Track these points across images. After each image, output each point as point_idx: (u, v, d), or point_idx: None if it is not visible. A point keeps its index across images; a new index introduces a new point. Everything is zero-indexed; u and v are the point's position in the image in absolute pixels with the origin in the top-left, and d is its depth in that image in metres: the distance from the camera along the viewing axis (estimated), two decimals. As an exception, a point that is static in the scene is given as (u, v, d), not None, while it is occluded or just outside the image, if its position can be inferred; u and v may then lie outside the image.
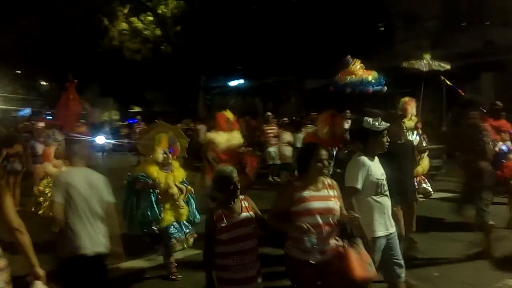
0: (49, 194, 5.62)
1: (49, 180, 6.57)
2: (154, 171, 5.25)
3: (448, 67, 9.98)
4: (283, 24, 20.57)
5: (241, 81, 26.45)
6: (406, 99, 7.52)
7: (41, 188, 6.85)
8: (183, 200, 5.39)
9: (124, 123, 26.61)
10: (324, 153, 3.41)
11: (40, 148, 9.05)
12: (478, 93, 16.91)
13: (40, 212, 6.60)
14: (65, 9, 21.28)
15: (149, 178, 5.18)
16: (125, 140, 19.62)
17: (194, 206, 5.59)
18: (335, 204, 3.39)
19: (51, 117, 22.91)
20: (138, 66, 22.94)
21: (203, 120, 20.58)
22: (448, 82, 10.99)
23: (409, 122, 6.71)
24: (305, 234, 3.19)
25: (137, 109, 31.55)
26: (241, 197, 3.50)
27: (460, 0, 18.23)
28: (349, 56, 7.79)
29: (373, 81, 7.53)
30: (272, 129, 12.90)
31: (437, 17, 18.46)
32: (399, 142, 4.95)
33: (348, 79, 7.39)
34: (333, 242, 3.37)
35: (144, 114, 23.25)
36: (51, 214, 4.87)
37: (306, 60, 20.46)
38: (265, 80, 23.37)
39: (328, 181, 3.49)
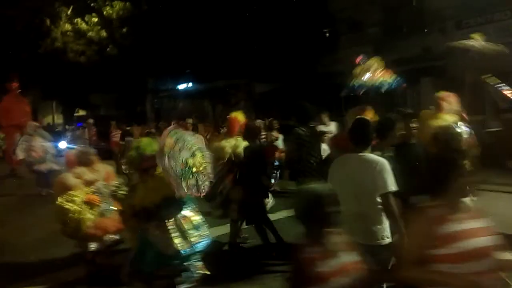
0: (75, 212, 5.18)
1: (71, 194, 5.30)
2: None
3: (504, 49, 8.69)
4: (232, 27, 20.67)
5: (190, 84, 26.31)
6: (442, 94, 6.88)
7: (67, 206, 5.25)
8: None
9: (71, 126, 25.51)
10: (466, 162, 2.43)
11: None
12: (419, 96, 17.72)
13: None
14: (3, 9, 20.40)
15: None
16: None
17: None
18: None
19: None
20: (82, 68, 22.32)
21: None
22: (493, 81, 10.20)
23: (449, 117, 6.21)
24: None
25: (82, 112, 30.65)
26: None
27: (400, 8, 19.00)
28: (362, 56, 7.60)
29: (390, 81, 7.57)
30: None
31: (379, 24, 19.18)
32: (410, 142, 4.68)
33: (365, 79, 7.41)
34: None
35: (90, 117, 22.60)
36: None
37: (255, 64, 20.68)
38: (214, 84, 23.37)
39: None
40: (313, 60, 20.58)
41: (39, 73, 22.53)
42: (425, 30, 17.76)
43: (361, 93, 7.33)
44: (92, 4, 22.37)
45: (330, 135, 9.90)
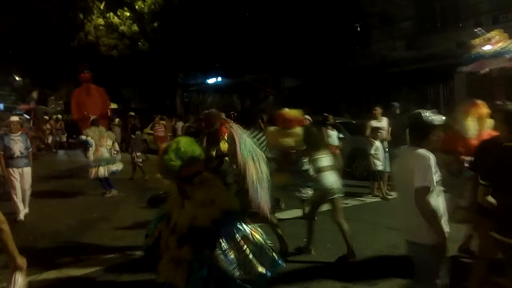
0: None
1: None
2: None
3: None
4: (261, 22, 20.62)
5: (219, 78, 26.40)
6: None
7: None
8: None
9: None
10: None
11: (16, 147, 7.99)
12: (452, 92, 17.31)
13: None
14: (39, 3, 20.93)
15: None
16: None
17: None
18: None
19: (25, 114, 22.49)
20: (114, 62, 22.69)
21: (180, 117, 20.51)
22: None
23: None
24: None
25: (113, 105, 31.15)
26: None
27: (434, 2, 18.56)
28: (479, 28, 7.44)
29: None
30: None
31: (411, 19, 18.78)
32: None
33: (485, 49, 7.19)
34: None
35: (120, 110, 22.99)
36: None
37: (284, 59, 20.57)
38: (242, 78, 23.38)
39: None
40: (344, 54, 20.34)
41: (72, 66, 23.01)
42: (460, 25, 17.29)
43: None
44: (124, -1, 22.70)
45: (382, 131, 9.76)
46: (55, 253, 6.23)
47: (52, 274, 5.40)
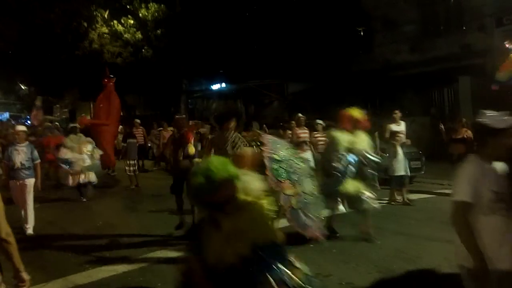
0: None
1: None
2: None
3: None
4: (264, 28, 20.68)
5: (223, 84, 26.46)
6: None
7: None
8: None
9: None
10: None
11: (18, 159, 7.52)
12: (456, 96, 17.27)
13: None
14: (43, 13, 21.06)
15: None
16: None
17: None
18: None
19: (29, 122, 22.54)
20: (119, 70, 22.77)
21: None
22: None
23: None
24: None
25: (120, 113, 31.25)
26: None
27: (437, 5, 18.55)
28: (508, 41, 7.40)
29: None
30: (305, 133, 10.79)
31: (415, 22, 18.77)
32: None
33: None
34: None
35: (125, 118, 23.04)
36: None
37: (288, 64, 20.61)
38: (246, 84, 23.43)
39: None
40: (347, 58, 20.35)
41: (77, 74, 23.11)
42: (464, 28, 17.27)
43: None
44: (128, 6, 22.79)
45: (402, 135, 9.58)
46: (61, 262, 6.23)
47: (58, 283, 5.39)
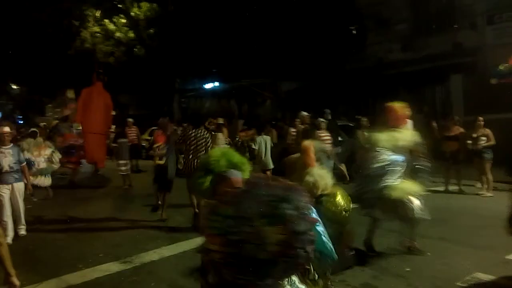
0: None
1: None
2: None
3: None
4: (257, 27, 20.68)
5: (216, 83, 26.44)
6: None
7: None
8: None
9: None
10: None
11: (5, 162, 7.08)
12: (448, 94, 17.38)
13: None
14: (34, 12, 20.95)
15: None
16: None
17: None
18: None
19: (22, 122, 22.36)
20: (111, 69, 22.70)
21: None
22: None
23: None
24: None
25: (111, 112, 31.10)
26: None
27: (429, 4, 18.64)
28: None
29: None
30: (327, 136, 10.48)
31: (407, 21, 18.85)
32: None
33: None
34: None
35: (118, 117, 22.95)
36: None
37: (281, 63, 20.62)
38: (239, 83, 23.42)
39: None
40: (340, 57, 20.39)
41: (69, 74, 23.00)
42: (455, 26, 17.37)
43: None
44: (119, 5, 22.70)
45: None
46: (55, 262, 6.21)
47: (52, 283, 5.36)
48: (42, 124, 18.87)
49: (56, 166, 11.05)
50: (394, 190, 5.53)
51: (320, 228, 2.46)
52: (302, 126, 11.10)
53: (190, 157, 8.01)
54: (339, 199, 4.47)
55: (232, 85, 24.51)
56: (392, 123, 5.96)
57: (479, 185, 10.28)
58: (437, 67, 16.42)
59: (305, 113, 11.70)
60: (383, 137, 5.81)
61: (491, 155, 9.93)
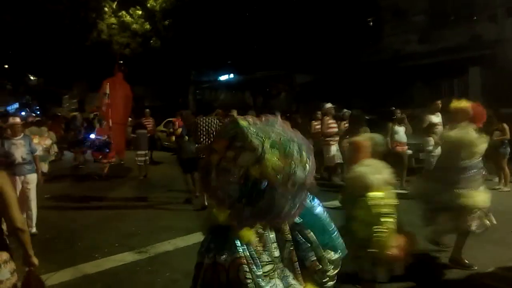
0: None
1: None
2: None
3: None
4: (273, 19, 20.57)
5: (231, 75, 26.43)
6: None
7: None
8: None
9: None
10: None
11: (18, 153, 6.94)
12: (466, 87, 17.11)
13: None
14: (51, 4, 21.12)
15: None
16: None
17: None
18: None
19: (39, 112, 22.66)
20: (127, 61, 22.83)
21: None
22: None
23: None
24: None
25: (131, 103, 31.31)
26: None
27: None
28: None
29: None
30: (334, 123, 10.67)
31: (424, 12, 18.58)
32: None
33: None
34: None
35: (134, 109, 23.10)
36: None
37: (296, 55, 20.51)
38: (254, 75, 23.37)
39: None
40: (356, 49, 20.20)
41: (86, 65, 23.21)
42: (474, 18, 17.06)
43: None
44: (136, -3, 22.79)
45: (440, 127, 8.68)
46: (71, 251, 6.31)
47: (68, 272, 5.46)
48: (59, 113, 19.17)
49: (52, 157, 11.63)
50: (467, 198, 4.92)
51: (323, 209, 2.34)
52: (327, 118, 10.81)
53: (202, 142, 8.27)
54: (380, 200, 3.66)
55: (247, 77, 24.47)
56: (475, 124, 5.27)
57: (496, 179, 10.14)
58: (455, 60, 16.16)
59: (329, 105, 11.04)
60: (479, 141, 5.09)
61: (507, 149, 9.77)
